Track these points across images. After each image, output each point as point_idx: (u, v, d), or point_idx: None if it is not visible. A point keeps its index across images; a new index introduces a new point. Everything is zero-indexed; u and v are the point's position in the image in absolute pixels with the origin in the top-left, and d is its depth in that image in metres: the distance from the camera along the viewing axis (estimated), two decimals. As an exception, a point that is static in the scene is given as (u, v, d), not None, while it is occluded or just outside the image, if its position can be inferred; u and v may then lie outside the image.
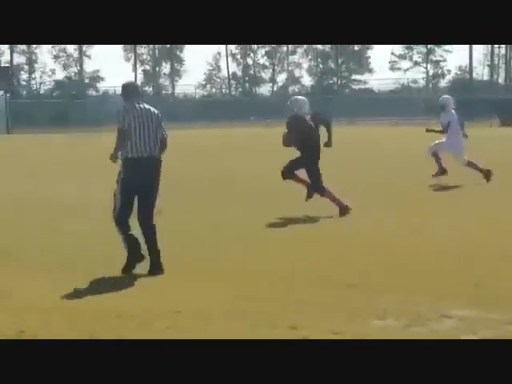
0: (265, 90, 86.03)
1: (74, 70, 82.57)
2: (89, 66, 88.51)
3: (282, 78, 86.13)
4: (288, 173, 12.91)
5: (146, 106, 8.64)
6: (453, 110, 16.85)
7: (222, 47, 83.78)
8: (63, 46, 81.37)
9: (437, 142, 17.08)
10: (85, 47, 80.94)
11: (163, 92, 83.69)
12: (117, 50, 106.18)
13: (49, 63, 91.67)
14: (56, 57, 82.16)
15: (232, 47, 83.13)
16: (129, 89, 8.71)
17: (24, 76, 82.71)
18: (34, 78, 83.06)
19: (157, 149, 8.58)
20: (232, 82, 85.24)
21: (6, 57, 78.11)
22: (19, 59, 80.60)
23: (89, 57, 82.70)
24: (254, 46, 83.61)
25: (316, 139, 12.75)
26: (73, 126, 54.84)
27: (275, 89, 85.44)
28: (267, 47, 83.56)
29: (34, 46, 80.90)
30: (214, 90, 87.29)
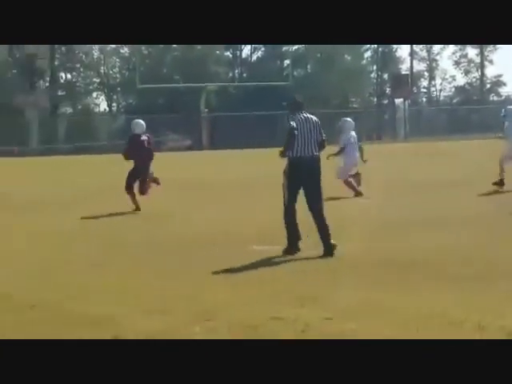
0: None
1: (475, 75, 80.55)
2: (490, 71, 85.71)
3: None
4: (127, 186, 15.89)
5: (308, 115, 10.32)
6: (352, 132, 17.74)
7: None
8: (465, 51, 79.89)
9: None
10: (486, 52, 78.63)
11: None
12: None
13: (449, 70, 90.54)
14: (457, 63, 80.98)
15: None
16: (295, 103, 10.40)
17: (424, 83, 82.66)
18: (433, 85, 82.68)
19: (317, 150, 10.25)
20: None
21: (407, 64, 78.70)
22: (419, 67, 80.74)
23: (490, 62, 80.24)
24: None
25: (143, 155, 15.93)
26: (472, 133, 53.60)
27: None
28: None
29: (435, 52, 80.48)
30: None
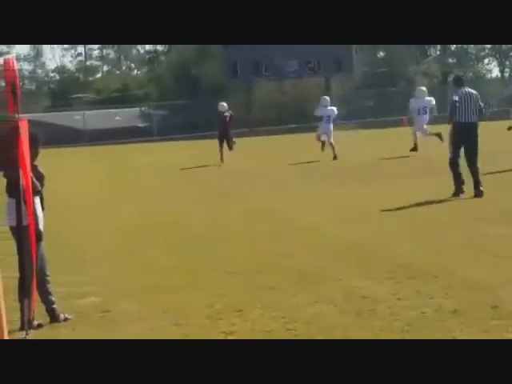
0: None
1: None
2: None
3: None
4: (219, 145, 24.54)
5: (470, 90, 13.35)
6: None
7: None
8: None
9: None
10: None
11: None
12: None
13: None
14: None
15: None
16: (459, 80, 13.62)
17: None
18: None
19: (476, 117, 13.17)
20: None
21: None
22: None
23: None
24: None
25: (222, 127, 25.08)
26: None
27: None
28: None
29: None
30: None
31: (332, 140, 23.39)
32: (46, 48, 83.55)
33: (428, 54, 69.07)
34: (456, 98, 13.10)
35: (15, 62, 5.23)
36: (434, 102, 23.07)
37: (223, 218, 12.37)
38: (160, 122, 50.97)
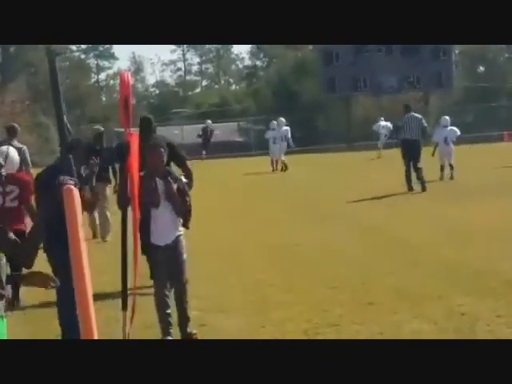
0: None
1: None
2: None
3: None
4: None
5: (415, 115, 18.58)
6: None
7: None
8: None
9: None
10: None
11: None
12: None
13: None
14: None
15: None
16: (407, 108, 18.91)
17: None
18: None
19: (418, 134, 18.18)
20: None
21: None
22: None
23: None
24: None
25: None
26: None
27: None
28: None
29: None
30: None
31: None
32: (147, 63, 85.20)
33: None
34: (401, 123, 18.56)
35: (130, 76, 5.33)
36: (289, 133, 28.69)
37: (331, 236, 12.16)
38: (258, 137, 51.25)
